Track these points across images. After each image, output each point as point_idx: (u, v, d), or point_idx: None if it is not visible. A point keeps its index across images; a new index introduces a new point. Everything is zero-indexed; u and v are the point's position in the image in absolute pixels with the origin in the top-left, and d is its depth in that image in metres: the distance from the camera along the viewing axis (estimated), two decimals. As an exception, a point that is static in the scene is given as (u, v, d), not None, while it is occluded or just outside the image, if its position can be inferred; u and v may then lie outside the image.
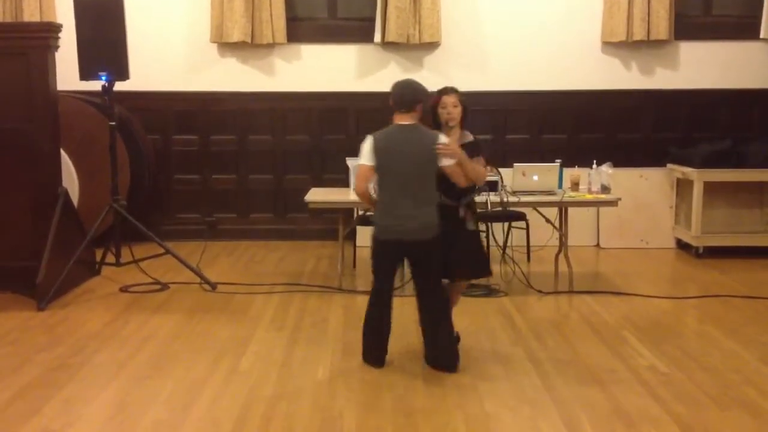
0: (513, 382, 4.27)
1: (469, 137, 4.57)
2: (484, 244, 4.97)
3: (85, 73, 6.21)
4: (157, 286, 6.20)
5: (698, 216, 7.22)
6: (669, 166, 7.75)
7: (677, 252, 7.65)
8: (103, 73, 6.18)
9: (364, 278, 6.10)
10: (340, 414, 3.87)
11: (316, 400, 4.03)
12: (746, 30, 8.03)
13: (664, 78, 8.09)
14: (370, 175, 4.39)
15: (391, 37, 7.73)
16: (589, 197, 6.16)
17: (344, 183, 6.69)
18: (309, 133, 8.17)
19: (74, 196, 6.82)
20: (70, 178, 6.90)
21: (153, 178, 7.91)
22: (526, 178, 6.07)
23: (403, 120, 4.37)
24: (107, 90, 6.25)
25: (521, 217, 6.72)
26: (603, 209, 7.60)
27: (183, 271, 6.38)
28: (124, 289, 6.14)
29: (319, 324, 5.33)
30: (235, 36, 7.73)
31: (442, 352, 4.43)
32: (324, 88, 8.04)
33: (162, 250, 6.41)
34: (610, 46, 8.01)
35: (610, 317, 5.47)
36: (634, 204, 7.62)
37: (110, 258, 6.49)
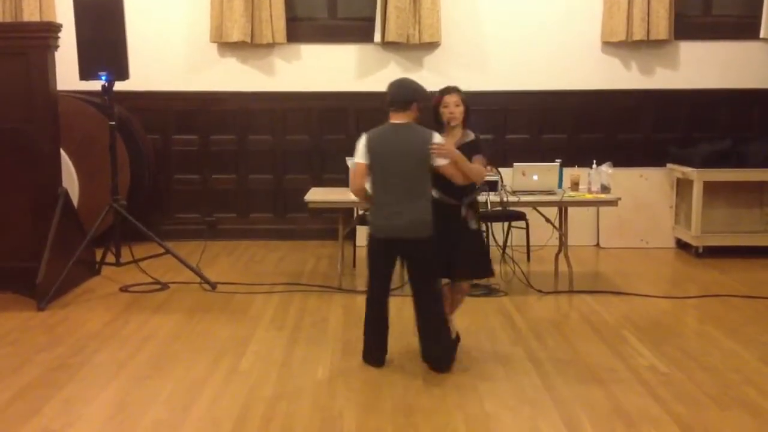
0: (513, 382, 4.27)
1: (470, 136, 4.56)
2: (487, 244, 4.93)
3: (85, 73, 6.21)
4: (157, 286, 6.20)
5: (698, 216, 7.22)
6: (669, 165, 7.75)
7: (677, 252, 7.65)
8: (103, 73, 6.18)
9: (364, 278, 6.05)
10: (340, 414, 3.87)
11: (316, 399, 4.03)
12: (746, 30, 8.03)
13: (664, 78, 8.09)
14: (365, 172, 4.41)
15: (391, 37, 7.73)
16: (589, 197, 6.16)
17: (344, 183, 6.65)
18: (309, 133, 8.17)
19: (74, 196, 6.82)
20: (70, 178, 6.90)
21: (153, 178, 7.91)
22: (526, 178, 6.07)
23: (397, 119, 4.38)
24: (107, 90, 6.25)
25: (521, 216, 6.72)
26: (603, 209, 7.60)
27: (183, 271, 6.39)
28: (124, 289, 6.14)
29: (318, 324, 5.33)
30: (235, 36, 7.73)
31: (435, 352, 4.42)
32: (324, 88, 8.04)
33: (162, 250, 6.41)
34: (610, 45, 8.02)
35: (610, 317, 5.47)
36: (634, 204, 7.62)
37: (110, 258, 6.49)
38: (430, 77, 7.70)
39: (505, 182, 5.94)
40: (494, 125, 7.96)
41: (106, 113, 6.50)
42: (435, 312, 4.44)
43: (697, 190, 7.20)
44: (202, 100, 8.07)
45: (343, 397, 4.07)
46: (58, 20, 7.20)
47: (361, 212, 6.44)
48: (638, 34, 7.80)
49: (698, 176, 7.19)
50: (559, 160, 6.33)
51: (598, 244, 7.86)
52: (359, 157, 4.40)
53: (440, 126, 4.55)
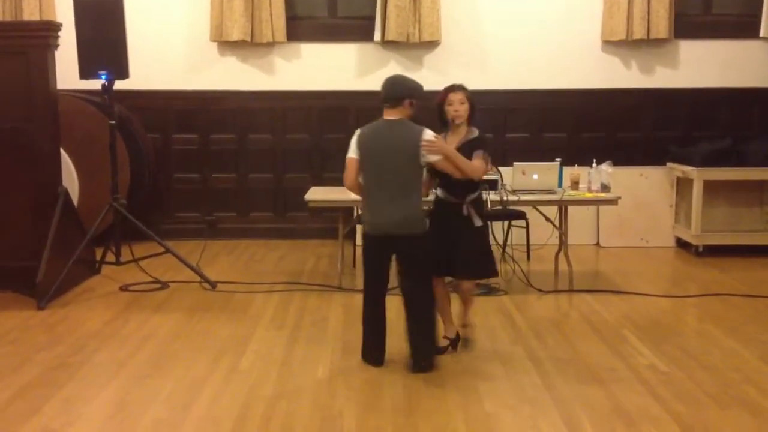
0: (513, 381, 4.27)
1: (474, 134, 4.54)
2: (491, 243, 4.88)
3: (85, 72, 6.21)
4: (157, 285, 6.20)
5: (698, 215, 7.22)
6: (669, 164, 7.75)
7: (677, 251, 7.65)
8: (103, 72, 6.17)
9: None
10: (340, 413, 3.87)
11: (316, 399, 4.04)
12: (746, 29, 8.03)
13: (664, 77, 8.09)
14: (356, 168, 4.42)
15: (391, 35, 7.73)
16: (589, 196, 6.15)
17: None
18: (309, 131, 8.17)
19: (74, 196, 6.82)
20: (70, 178, 6.90)
21: (153, 177, 7.91)
22: (525, 177, 6.07)
23: (389, 115, 4.38)
24: (107, 89, 6.25)
25: (521, 215, 6.72)
26: (603, 208, 7.59)
27: (183, 270, 6.39)
28: (124, 288, 6.14)
29: (319, 323, 5.33)
30: (235, 35, 7.73)
31: (417, 352, 4.40)
32: (324, 87, 8.04)
33: (162, 249, 6.41)
34: (610, 44, 8.01)
35: (610, 316, 5.47)
36: (634, 203, 7.62)
37: (110, 257, 6.48)
38: (430, 76, 7.69)
39: (505, 181, 5.94)
40: (494, 124, 7.94)
41: (106, 112, 6.50)
42: (424, 310, 4.41)
43: (697, 189, 7.20)
44: (202, 99, 8.07)
45: (343, 397, 4.07)
46: (58, 19, 7.20)
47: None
48: (638, 33, 7.79)
49: (698, 175, 7.19)
50: (559, 159, 6.33)
51: (598, 243, 7.86)
52: (351, 152, 4.44)
53: (445, 124, 4.54)
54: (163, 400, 4.03)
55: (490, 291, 6.00)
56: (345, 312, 5.52)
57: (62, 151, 6.35)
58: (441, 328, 4.70)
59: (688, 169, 7.34)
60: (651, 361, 4.57)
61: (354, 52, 8.05)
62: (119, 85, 6.31)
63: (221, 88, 8.05)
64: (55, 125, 6.04)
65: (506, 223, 6.84)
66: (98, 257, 6.54)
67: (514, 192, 5.92)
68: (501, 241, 6.64)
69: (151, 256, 6.50)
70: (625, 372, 4.40)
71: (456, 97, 4.51)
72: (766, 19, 7.88)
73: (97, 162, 6.92)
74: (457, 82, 4.65)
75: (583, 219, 7.71)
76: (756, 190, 7.37)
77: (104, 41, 6.12)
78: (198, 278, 6.24)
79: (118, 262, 6.44)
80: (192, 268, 6.30)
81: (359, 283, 6.13)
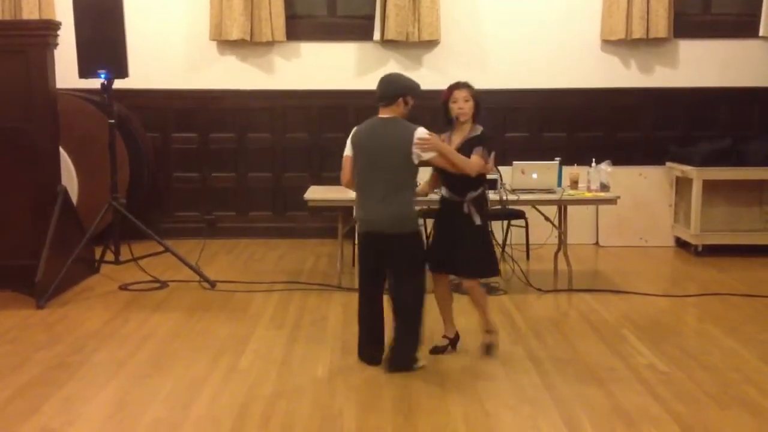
0: (513, 381, 4.27)
1: (477, 131, 4.52)
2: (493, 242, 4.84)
3: (85, 71, 6.20)
4: (157, 285, 6.20)
5: (697, 214, 7.22)
6: (668, 164, 7.75)
7: (676, 250, 7.65)
8: (103, 71, 6.16)
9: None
10: (340, 412, 3.87)
11: (316, 398, 4.04)
12: (745, 28, 8.03)
13: (663, 76, 8.09)
14: (351, 165, 4.46)
15: (390, 35, 7.73)
16: (588, 195, 6.15)
17: (343, 181, 6.69)
18: (308, 130, 8.17)
19: (73, 195, 6.82)
20: (70, 177, 6.89)
21: (152, 176, 7.91)
22: (525, 176, 6.07)
23: (384, 113, 4.41)
24: (106, 88, 6.24)
25: (520, 215, 6.72)
26: (602, 207, 7.60)
27: (182, 269, 6.38)
28: (123, 288, 6.14)
29: (318, 322, 5.33)
30: (235, 34, 7.73)
31: (394, 351, 4.38)
32: (323, 86, 8.03)
33: (161, 248, 6.40)
34: (609, 44, 8.01)
35: (609, 316, 5.47)
36: (634, 202, 7.62)
37: (109, 256, 6.48)
38: (429, 75, 7.71)
39: (504, 180, 5.94)
40: (493, 124, 7.88)
41: (105, 111, 6.50)
42: (408, 310, 4.39)
43: (696, 189, 7.20)
44: (201, 98, 8.06)
45: (342, 396, 4.07)
46: (58, 18, 7.19)
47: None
48: (638, 33, 7.79)
49: (698, 175, 7.19)
50: (558, 159, 6.33)
51: (597, 243, 7.86)
52: (347, 149, 4.48)
53: (450, 122, 4.54)
54: (163, 400, 4.02)
55: (489, 290, 5.98)
56: (344, 311, 5.51)
57: (61, 150, 6.34)
58: (442, 328, 4.71)
59: (687, 168, 7.34)
60: (650, 360, 4.57)
61: (353, 51, 8.05)
62: (118, 84, 6.30)
63: (221, 87, 8.04)
64: (55, 124, 6.03)
65: (505, 222, 6.84)
66: (97, 256, 6.53)
67: (513, 191, 5.92)
68: (500, 241, 6.64)
69: (150, 255, 6.49)
70: (624, 372, 4.40)
71: (460, 94, 4.50)
72: (766, 18, 7.88)
73: (96, 161, 6.91)
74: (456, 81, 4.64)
75: (583, 218, 7.71)
76: (755, 189, 7.37)
77: (104, 40, 6.11)
78: (197, 277, 6.24)
79: (117, 262, 6.43)
80: (191, 268, 6.29)
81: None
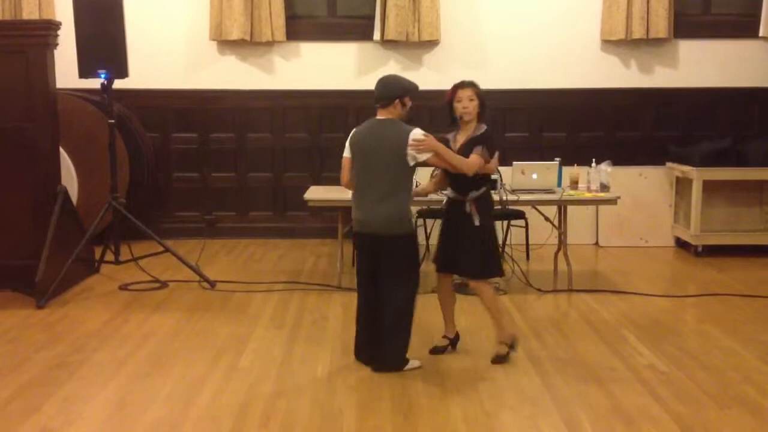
0: (513, 381, 4.27)
1: (480, 130, 4.50)
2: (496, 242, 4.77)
3: (85, 71, 6.20)
4: (157, 284, 6.20)
5: (697, 214, 7.22)
6: (668, 164, 7.75)
7: (676, 250, 7.64)
8: (103, 71, 6.16)
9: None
10: (339, 412, 3.87)
11: (316, 397, 4.04)
12: (745, 28, 8.03)
13: (663, 76, 8.09)
14: (349, 166, 4.48)
15: (390, 35, 7.73)
16: (588, 195, 6.15)
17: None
18: (308, 131, 8.17)
19: (73, 194, 6.82)
20: (70, 176, 6.89)
21: (152, 176, 7.90)
22: (525, 177, 6.07)
23: (382, 115, 4.42)
24: (106, 88, 6.24)
25: (520, 215, 6.72)
26: (602, 208, 7.60)
27: (182, 269, 6.39)
28: (123, 287, 6.14)
29: (318, 322, 5.33)
30: (235, 34, 7.73)
31: (383, 353, 4.37)
32: (323, 86, 8.03)
33: (161, 248, 6.40)
34: (609, 44, 8.01)
35: (609, 316, 5.47)
36: (634, 202, 7.62)
37: (109, 256, 6.47)
38: (429, 75, 7.72)
39: (504, 181, 5.94)
40: (494, 124, 7.92)
41: (105, 111, 6.49)
42: (397, 312, 4.36)
43: (696, 189, 7.20)
44: (201, 98, 8.06)
45: (342, 396, 4.07)
46: (58, 18, 7.19)
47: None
48: (638, 33, 7.79)
49: (698, 175, 7.19)
50: (558, 159, 6.33)
51: (597, 243, 7.86)
52: (345, 151, 4.50)
53: (454, 121, 4.53)
54: (163, 399, 4.02)
55: (489, 290, 5.99)
56: (344, 311, 5.51)
57: (61, 150, 6.35)
58: (443, 328, 4.71)
59: (687, 168, 7.34)
60: (650, 360, 4.57)
61: (353, 51, 8.05)
62: (119, 84, 6.30)
63: (221, 87, 8.04)
64: (55, 124, 6.03)
65: (505, 222, 6.84)
66: (97, 256, 6.53)
67: (513, 191, 5.92)
68: (500, 241, 6.64)
69: (150, 255, 6.49)
70: (624, 372, 4.40)
71: (464, 93, 4.48)
72: (766, 18, 7.88)
73: (96, 161, 6.92)
74: (456, 81, 4.61)
75: (583, 219, 7.71)
76: (755, 190, 7.36)
77: (104, 40, 6.11)
78: (197, 277, 6.24)
79: (117, 261, 6.43)
80: (191, 268, 6.29)
81: (358, 282, 6.16)
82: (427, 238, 7.13)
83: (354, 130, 4.51)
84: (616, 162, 6.69)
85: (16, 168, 5.88)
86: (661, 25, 7.78)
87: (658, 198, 7.83)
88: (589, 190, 6.18)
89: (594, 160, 6.28)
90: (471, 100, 4.47)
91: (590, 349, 4.77)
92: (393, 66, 7.95)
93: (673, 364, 4.51)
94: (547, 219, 6.33)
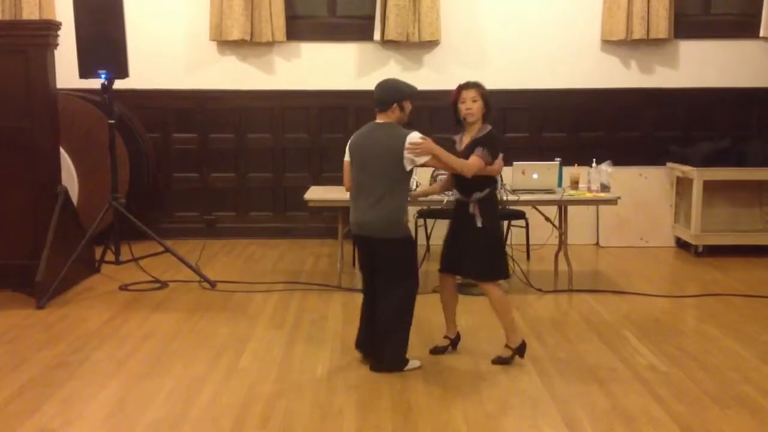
0: (513, 382, 4.27)
1: (483, 131, 4.49)
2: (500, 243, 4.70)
3: (85, 71, 6.20)
4: (157, 285, 6.20)
5: (698, 214, 7.22)
6: (669, 164, 7.75)
7: (677, 251, 7.64)
8: (103, 71, 6.16)
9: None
10: (339, 411, 3.87)
11: (316, 397, 4.03)
12: (746, 29, 8.03)
13: (663, 76, 8.09)
14: (349, 170, 4.49)
15: (390, 35, 7.73)
16: (588, 196, 6.15)
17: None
18: (308, 131, 8.16)
19: (74, 195, 6.82)
20: (70, 177, 6.90)
21: (152, 176, 7.90)
22: (525, 177, 6.07)
23: (380, 119, 4.42)
24: (107, 88, 6.24)
25: (521, 215, 6.72)
26: (603, 208, 7.60)
27: (182, 270, 6.38)
28: (123, 288, 6.14)
29: (318, 322, 5.33)
30: (235, 34, 7.73)
31: (381, 354, 4.38)
32: (323, 87, 8.03)
33: (161, 249, 6.40)
34: (609, 44, 8.01)
35: (609, 316, 5.47)
36: (634, 203, 7.62)
37: (109, 256, 6.48)
38: (429, 76, 7.73)
39: (504, 181, 5.94)
40: (493, 124, 7.93)
41: (105, 111, 6.49)
42: (392, 314, 4.37)
43: (696, 189, 7.20)
44: (201, 98, 8.06)
45: (342, 395, 4.06)
46: (58, 18, 7.20)
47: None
48: (638, 33, 7.79)
49: (698, 175, 7.19)
50: (558, 159, 6.33)
51: (597, 243, 7.86)
52: (346, 154, 4.51)
53: (459, 122, 4.52)
54: (163, 399, 4.02)
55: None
56: (344, 311, 5.51)
57: (62, 150, 6.34)
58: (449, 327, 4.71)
59: (687, 168, 7.33)
60: (651, 361, 4.57)
61: (353, 51, 8.05)
62: (119, 84, 6.31)
63: (221, 88, 8.04)
64: (55, 124, 6.03)
65: (506, 222, 6.83)
66: (98, 256, 6.53)
67: (513, 192, 5.92)
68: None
69: (150, 255, 6.49)
70: (624, 372, 4.40)
71: (468, 94, 4.46)
72: (766, 19, 7.88)
73: (96, 161, 6.92)
74: (457, 81, 4.59)
75: (583, 219, 7.71)
76: (756, 190, 7.36)
77: (104, 40, 6.11)
78: (197, 277, 6.24)
79: (117, 262, 6.43)
80: (191, 268, 6.29)
81: (358, 282, 6.13)
82: (428, 238, 7.13)
83: (354, 133, 4.51)
84: (617, 162, 6.69)
85: (16, 168, 5.88)
86: (661, 26, 7.78)
87: (658, 198, 7.83)
88: (589, 190, 6.18)
89: (594, 160, 6.27)
90: (474, 101, 4.45)
91: (590, 350, 4.77)
92: (393, 66, 7.95)
93: (673, 365, 4.50)
94: (547, 219, 6.33)
